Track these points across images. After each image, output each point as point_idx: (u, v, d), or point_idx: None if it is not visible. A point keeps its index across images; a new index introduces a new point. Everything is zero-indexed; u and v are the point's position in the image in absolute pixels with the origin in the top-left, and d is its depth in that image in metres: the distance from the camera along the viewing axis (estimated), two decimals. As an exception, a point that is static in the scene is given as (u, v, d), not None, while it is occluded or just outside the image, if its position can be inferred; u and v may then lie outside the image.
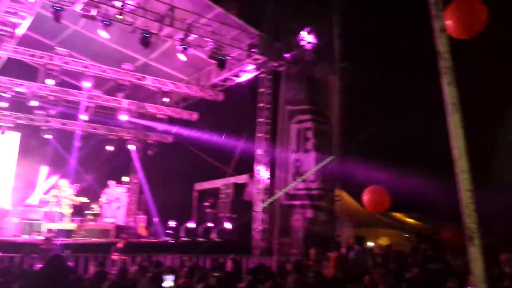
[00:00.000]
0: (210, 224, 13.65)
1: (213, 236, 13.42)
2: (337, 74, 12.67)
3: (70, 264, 7.21)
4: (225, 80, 14.87)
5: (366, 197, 9.26)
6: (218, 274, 6.07)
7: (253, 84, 14.07)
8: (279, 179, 12.53)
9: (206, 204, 14.99)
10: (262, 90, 13.58)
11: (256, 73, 13.80)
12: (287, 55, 12.86)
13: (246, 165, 14.66)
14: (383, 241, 12.75)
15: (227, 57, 12.58)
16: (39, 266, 6.55)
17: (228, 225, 13.50)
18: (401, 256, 8.37)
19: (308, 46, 12.71)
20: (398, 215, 15.25)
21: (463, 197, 1.69)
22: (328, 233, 11.53)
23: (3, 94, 14.30)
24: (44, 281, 5.79)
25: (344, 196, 13.33)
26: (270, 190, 12.86)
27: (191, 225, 13.71)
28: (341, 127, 12.49)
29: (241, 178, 15.14)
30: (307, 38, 12.67)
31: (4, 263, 8.51)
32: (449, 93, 1.74)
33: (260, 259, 10.89)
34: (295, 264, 6.93)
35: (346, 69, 12.52)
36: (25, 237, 12.01)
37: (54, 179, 14.21)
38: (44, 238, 10.08)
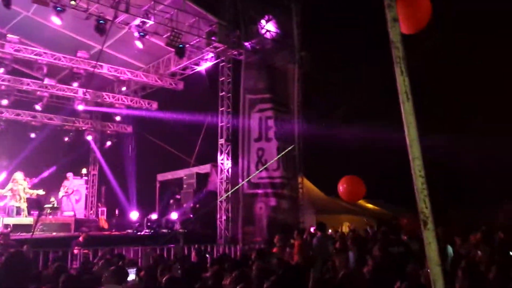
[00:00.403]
0: (173, 215, 13.53)
1: (177, 227, 13.34)
2: (296, 63, 12.75)
3: (29, 259, 6.96)
4: (185, 68, 14.69)
5: (342, 187, 9.28)
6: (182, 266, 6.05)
7: (213, 72, 13.98)
8: (242, 168, 12.53)
9: (177, 196, 14.74)
10: (222, 79, 13.50)
11: (216, 61, 13.70)
12: (246, 44, 12.79)
13: (208, 155, 14.60)
14: (345, 226, 13.10)
15: (186, 45, 12.41)
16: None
17: (191, 215, 13.45)
18: (362, 240, 8.60)
19: (268, 35, 12.72)
20: (360, 201, 15.66)
21: (416, 183, 1.75)
22: (292, 220, 11.69)
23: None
24: (3, 277, 5.63)
25: (306, 183, 13.53)
26: (233, 179, 12.86)
27: (154, 216, 13.56)
28: (300, 115, 12.62)
29: (204, 168, 15.07)
30: (267, 26, 12.68)
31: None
32: (401, 82, 1.78)
33: (225, 249, 10.93)
34: (259, 252, 6.99)
35: (305, 58, 12.62)
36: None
37: (8, 172, 13.60)
38: (0, 233, 9.70)
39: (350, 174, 9.51)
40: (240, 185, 12.17)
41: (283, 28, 12.83)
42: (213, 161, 14.23)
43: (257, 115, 12.72)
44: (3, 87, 14.26)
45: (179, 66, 14.47)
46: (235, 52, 13.19)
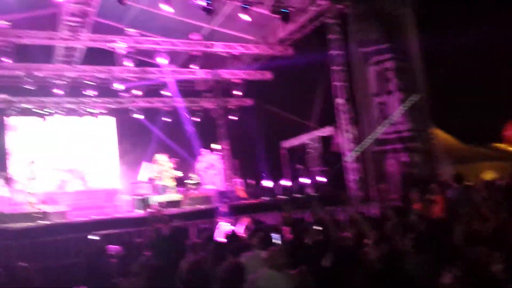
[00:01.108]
0: (303, 180, 13.80)
1: (309, 190, 13.58)
2: (410, 6, 11.84)
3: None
4: (292, 33, 14.57)
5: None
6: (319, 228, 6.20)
7: (321, 31, 13.66)
8: (365, 126, 12.23)
9: (304, 161, 14.81)
10: (332, 36, 13.15)
11: (323, 19, 13.34)
12: (351, -6, 12.23)
13: (328, 116, 14.48)
14: (488, 175, 12.06)
15: (290, 9, 12.28)
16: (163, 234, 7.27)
17: (321, 179, 13.59)
18: (510, 188, 7.92)
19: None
20: (501, 145, 14.24)
21: None
22: (427, 174, 11.15)
23: (90, 83, 15.27)
24: (169, 247, 6.50)
25: (440, 133, 12.72)
26: (358, 138, 12.64)
27: (285, 182, 13.97)
28: (422, 62, 11.78)
29: (326, 130, 14.99)
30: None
31: (124, 238, 9.38)
32: None
33: (359, 208, 10.91)
34: (396, 209, 6.88)
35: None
36: (138, 212, 13.01)
37: (155, 156, 15.12)
38: (156, 210, 10.90)
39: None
40: (365, 143, 11.93)
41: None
42: (335, 122, 14.12)
43: (373, 68, 12.22)
44: (133, 79, 15.68)
45: (286, 32, 14.40)
46: (341, 6, 12.69)
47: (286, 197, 13.10)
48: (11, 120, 15.99)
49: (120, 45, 13.65)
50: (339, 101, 13.02)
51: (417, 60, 11.85)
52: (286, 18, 12.43)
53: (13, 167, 14.78)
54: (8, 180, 13.40)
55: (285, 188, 13.74)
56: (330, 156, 14.06)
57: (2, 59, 12.38)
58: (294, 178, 15.02)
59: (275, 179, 14.79)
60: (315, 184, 13.51)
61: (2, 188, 12.86)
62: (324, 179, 13.44)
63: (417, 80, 11.76)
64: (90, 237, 8.08)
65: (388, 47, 11.95)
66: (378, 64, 12.16)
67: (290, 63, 15.34)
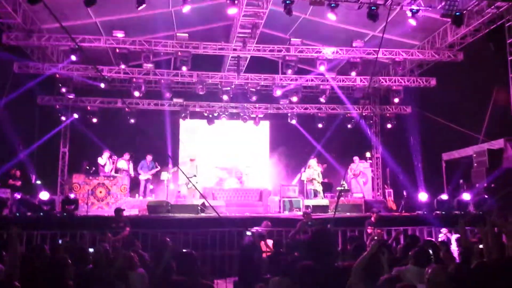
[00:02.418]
0: (465, 196, 12.62)
1: (470, 208, 12.39)
2: None
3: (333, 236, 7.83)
4: (464, 37, 13.49)
5: None
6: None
7: (497, 35, 12.33)
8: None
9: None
10: (510, 40, 11.76)
11: (500, 22, 12.06)
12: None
13: (500, 129, 12.99)
14: None
15: (463, 11, 11.39)
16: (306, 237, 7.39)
17: (486, 196, 12.24)
18: None
19: None
20: None
21: None
22: None
23: (252, 89, 16.32)
24: (311, 251, 6.53)
25: None
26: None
27: (444, 197, 12.96)
28: None
29: (496, 144, 13.42)
30: None
31: (275, 236, 9.79)
32: None
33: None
34: None
35: None
36: (286, 213, 13.44)
37: (310, 161, 15.49)
38: (303, 213, 11.13)
39: None
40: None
41: None
42: (507, 135, 12.58)
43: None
44: (292, 86, 16.26)
45: (457, 36, 13.39)
46: (523, 8, 11.33)
47: (443, 212, 12.13)
48: (184, 122, 17.95)
49: (281, 54, 14.31)
50: (515, 111, 11.56)
51: None
52: (458, 21, 11.60)
53: (181, 164, 16.57)
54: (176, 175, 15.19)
55: (443, 202, 12.70)
56: (500, 172, 12.55)
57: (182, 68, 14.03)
58: (454, 193, 13.80)
59: (433, 193, 13.79)
60: (479, 201, 12.20)
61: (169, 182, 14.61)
62: (489, 197, 12.05)
63: None
64: (248, 233, 8.58)
65: None
66: None
67: (456, 70, 14.22)
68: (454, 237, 9.01)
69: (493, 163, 13.10)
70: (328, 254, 5.78)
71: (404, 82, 16.04)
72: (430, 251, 5.28)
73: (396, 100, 16.18)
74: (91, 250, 5.83)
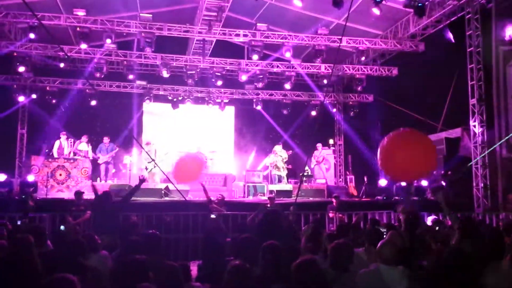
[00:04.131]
0: (423, 182, 13.09)
1: (427, 194, 12.89)
2: None
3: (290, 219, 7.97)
4: (425, 28, 13.81)
5: None
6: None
7: (457, 27, 12.76)
8: (499, 130, 11.20)
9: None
10: (469, 32, 12.16)
11: (461, 14, 12.45)
12: (496, -12, 11.20)
13: (457, 118, 13.51)
14: None
15: (426, 2, 11.67)
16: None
17: (442, 183, 12.76)
18: None
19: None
20: None
21: None
22: None
23: (218, 74, 16.20)
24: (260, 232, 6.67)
25: None
26: (489, 143, 11.58)
27: (403, 183, 13.40)
28: None
29: (454, 132, 13.97)
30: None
31: (238, 220, 9.92)
32: None
33: (484, 218, 10.04)
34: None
35: None
36: (250, 198, 13.54)
37: (275, 147, 15.60)
38: (268, 198, 11.24)
39: None
40: (492, 147, 10.96)
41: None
42: (464, 124, 13.07)
43: (514, 68, 11.12)
44: (257, 71, 16.27)
45: (419, 27, 13.70)
46: (483, 1, 11.73)
47: (402, 198, 12.57)
48: (147, 105, 17.64)
49: (247, 39, 14.24)
50: (472, 101, 12.02)
51: None
52: (420, 12, 11.87)
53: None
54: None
55: (401, 188, 13.15)
56: (455, 160, 13.10)
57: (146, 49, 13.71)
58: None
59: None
60: (435, 187, 12.69)
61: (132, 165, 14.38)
62: (445, 184, 12.57)
63: None
64: (212, 216, 8.63)
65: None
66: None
67: (417, 60, 14.62)
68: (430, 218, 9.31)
69: (451, 151, 13.64)
70: (277, 234, 5.94)
71: (367, 71, 16.37)
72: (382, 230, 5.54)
73: (359, 88, 16.48)
74: (62, 228, 5.69)
